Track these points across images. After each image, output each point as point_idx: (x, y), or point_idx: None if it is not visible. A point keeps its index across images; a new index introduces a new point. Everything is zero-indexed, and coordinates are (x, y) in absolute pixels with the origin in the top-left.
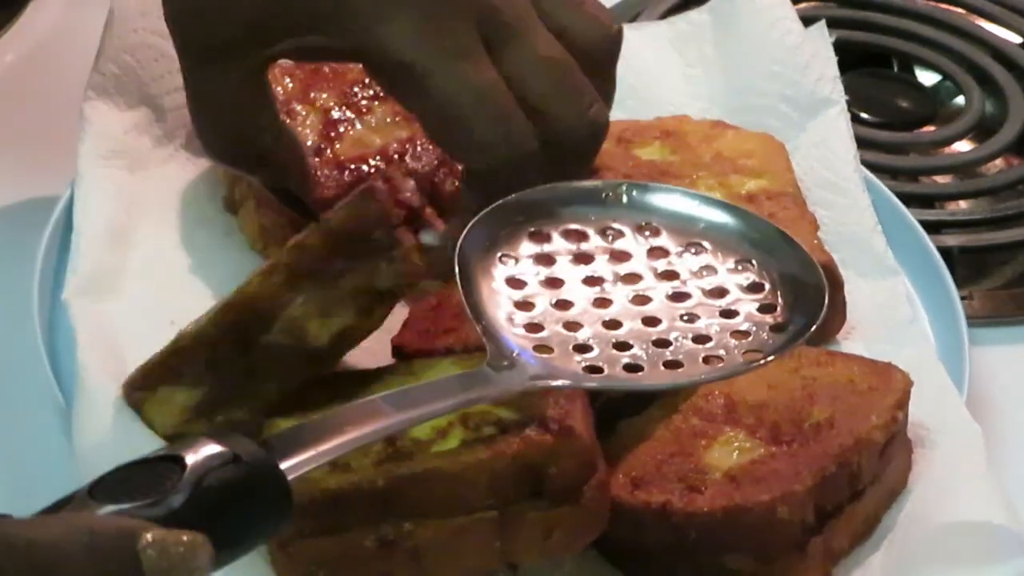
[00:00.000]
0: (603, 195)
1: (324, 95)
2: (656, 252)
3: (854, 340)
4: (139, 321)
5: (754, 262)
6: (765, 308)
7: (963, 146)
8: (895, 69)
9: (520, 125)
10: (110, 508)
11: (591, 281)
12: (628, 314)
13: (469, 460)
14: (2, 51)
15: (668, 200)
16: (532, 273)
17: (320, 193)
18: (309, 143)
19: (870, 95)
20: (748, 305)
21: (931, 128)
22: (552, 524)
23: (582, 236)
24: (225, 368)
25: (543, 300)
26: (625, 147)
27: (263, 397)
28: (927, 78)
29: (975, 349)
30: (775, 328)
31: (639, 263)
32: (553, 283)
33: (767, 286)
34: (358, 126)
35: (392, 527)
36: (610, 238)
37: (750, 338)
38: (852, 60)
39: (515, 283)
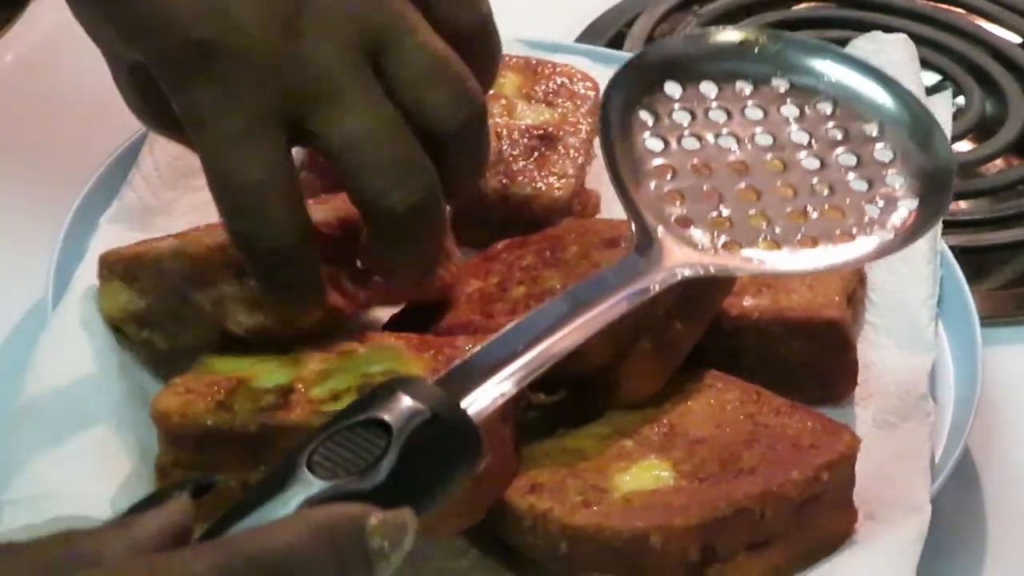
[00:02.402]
0: (745, 48)
1: None
2: (791, 115)
3: (865, 407)
4: None
5: (886, 134)
6: (896, 185)
7: (963, 146)
8: None
9: (421, 168)
10: (328, 485)
11: (729, 144)
12: (765, 183)
13: None
14: (2, 51)
15: (810, 57)
16: (671, 135)
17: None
18: None
19: None
20: (879, 180)
21: None
22: None
23: (721, 94)
24: (163, 298)
25: (682, 166)
26: None
27: (184, 339)
28: (927, 78)
29: None
30: (903, 207)
31: (774, 126)
32: (692, 146)
33: (898, 161)
34: None
35: (258, 475)
36: (747, 97)
37: (880, 216)
38: None
39: (655, 146)
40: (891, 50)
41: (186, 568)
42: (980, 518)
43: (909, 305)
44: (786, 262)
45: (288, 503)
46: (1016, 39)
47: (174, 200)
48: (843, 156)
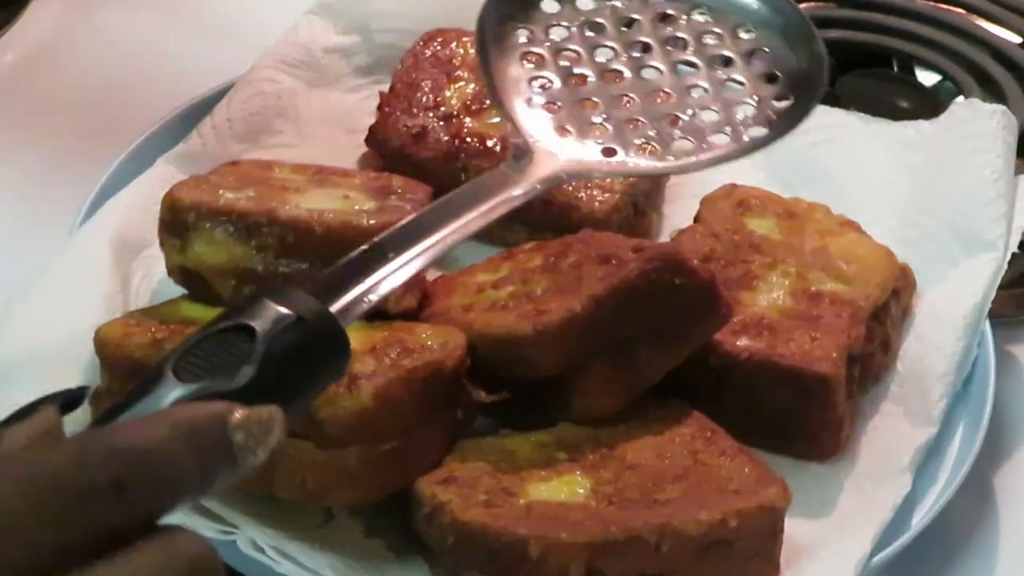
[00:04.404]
0: None
1: None
2: (667, 25)
3: (845, 468)
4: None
5: (758, 34)
6: (769, 81)
7: None
8: (895, 69)
9: None
10: (194, 387)
11: (603, 52)
12: (638, 89)
13: None
14: (2, 51)
15: None
16: (547, 47)
17: (420, 151)
18: (443, 108)
19: (870, 95)
20: (752, 78)
21: None
22: (306, 469)
23: (597, 9)
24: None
25: (559, 76)
26: (740, 212)
27: None
28: (927, 78)
29: None
30: (778, 100)
31: (650, 36)
32: (569, 59)
33: (770, 60)
34: None
35: None
36: (623, 10)
37: (755, 113)
38: (852, 60)
39: (531, 58)
40: (984, 119)
41: (43, 458)
42: (985, 510)
43: (925, 378)
44: (661, 163)
45: (154, 406)
46: (1016, 39)
47: (241, 153)
48: (719, 60)
